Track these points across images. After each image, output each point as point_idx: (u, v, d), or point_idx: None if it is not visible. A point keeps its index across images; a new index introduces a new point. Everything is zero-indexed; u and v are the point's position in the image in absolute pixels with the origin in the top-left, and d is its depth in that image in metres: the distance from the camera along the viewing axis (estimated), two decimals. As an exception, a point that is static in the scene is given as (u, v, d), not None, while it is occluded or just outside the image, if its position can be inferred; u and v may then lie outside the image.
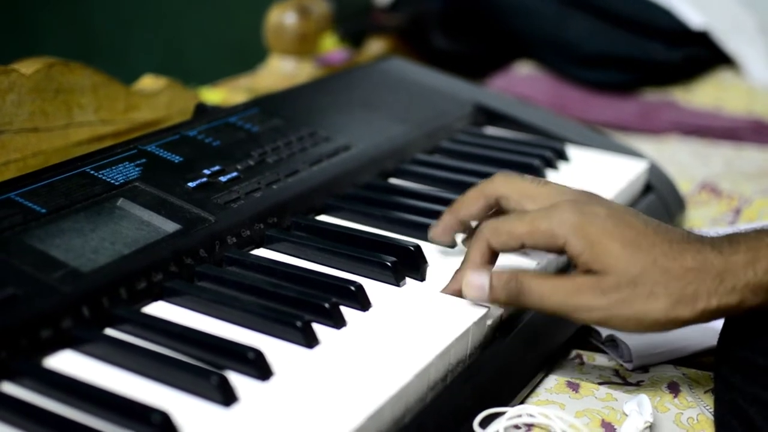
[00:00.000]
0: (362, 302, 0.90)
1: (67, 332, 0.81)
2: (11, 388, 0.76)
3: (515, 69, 2.24)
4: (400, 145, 1.28)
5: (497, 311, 0.94)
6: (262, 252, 1.01)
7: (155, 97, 1.29)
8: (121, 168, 1.01)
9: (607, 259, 0.83)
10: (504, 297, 0.87)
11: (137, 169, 1.02)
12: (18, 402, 0.73)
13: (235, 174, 1.06)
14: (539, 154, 1.31)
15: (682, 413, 0.91)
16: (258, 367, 0.78)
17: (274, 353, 0.80)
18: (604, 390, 0.94)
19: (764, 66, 2.17)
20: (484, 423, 0.83)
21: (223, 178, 1.05)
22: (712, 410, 0.91)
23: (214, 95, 1.70)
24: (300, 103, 1.31)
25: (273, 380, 0.78)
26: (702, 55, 2.15)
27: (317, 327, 0.85)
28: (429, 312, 0.90)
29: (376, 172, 1.22)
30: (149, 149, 1.07)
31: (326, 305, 0.86)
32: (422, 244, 1.00)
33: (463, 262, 0.92)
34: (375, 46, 2.22)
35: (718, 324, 0.91)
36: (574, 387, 0.94)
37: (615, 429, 0.88)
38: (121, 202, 0.96)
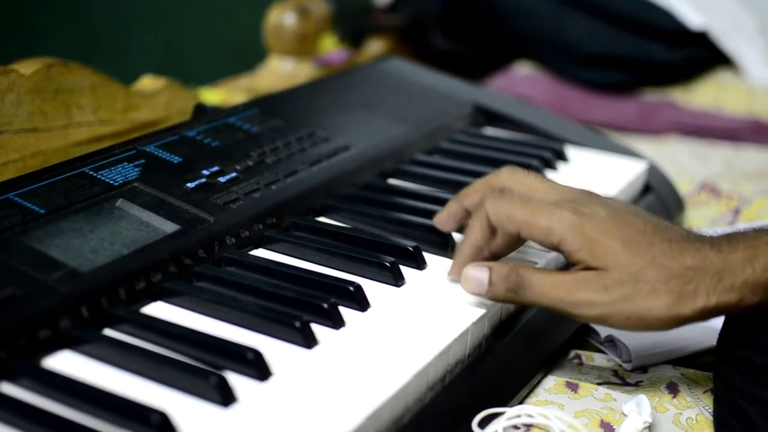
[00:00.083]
0: (361, 302, 0.90)
1: (66, 332, 0.81)
2: (10, 389, 0.76)
3: (514, 69, 2.24)
4: (400, 146, 1.28)
5: (496, 311, 0.94)
6: (261, 252, 1.01)
7: (154, 98, 1.29)
8: (120, 168, 1.01)
9: (606, 257, 0.83)
10: (503, 291, 0.87)
11: (136, 169, 1.02)
12: (17, 402, 0.73)
13: (234, 174, 1.06)
14: (538, 155, 1.32)
15: (681, 413, 0.91)
16: (257, 367, 0.78)
17: (273, 353, 0.80)
18: (603, 390, 0.94)
19: (764, 66, 2.17)
20: (483, 423, 0.83)
21: (222, 179, 1.05)
22: (711, 410, 0.91)
23: (214, 95, 1.70)
24: (299, 104, 1.31)
25: (272, 380, 0.78)
26: (701, 55, 2.15)
27: (316, 327, 0.85)
28: (428, 312, 0.90)
29: (375, 173, 1.22)
30: (148, 150, 1.07)
31: (325, 305, 0.86)
32: (420, 244, 1.00)
33: (464, 235, 0.93)
34: (374, 47, 2.22)
35: (717, 324, 0.91)
36: (573, 387, 0.94)
37: (614, 429, 0.88)
38: (120, 202, 0.96)
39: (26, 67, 1.10)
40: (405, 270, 0.97)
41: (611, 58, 2.12)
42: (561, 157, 1.35)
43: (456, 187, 1.16)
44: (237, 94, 1.74)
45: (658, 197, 1.36)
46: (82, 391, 0.74)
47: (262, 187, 1.06)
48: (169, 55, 2.48)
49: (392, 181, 1.23)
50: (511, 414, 0.85)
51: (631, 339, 0.99)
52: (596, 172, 1.31)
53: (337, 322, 0.86)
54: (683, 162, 1.79)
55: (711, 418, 0.90)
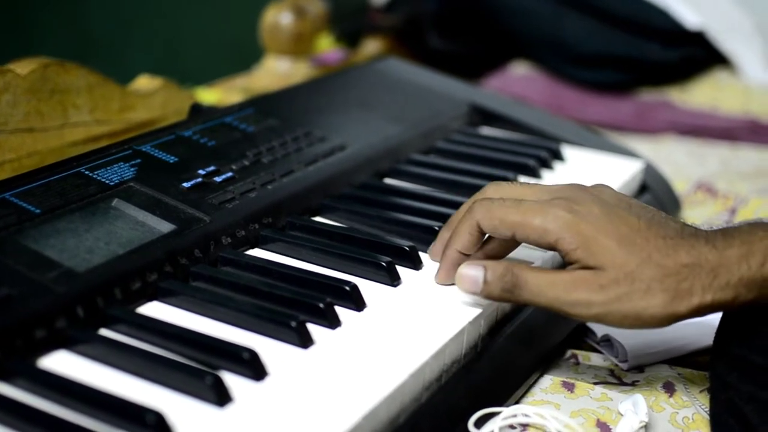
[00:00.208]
0: (357, 302, 0.90)
1: (62, 332, 0.81)
2: (6, 389, 0.76)
3: (511, 69, 2.24)
4: (396, 145, 1.28)
5: (492, 311, 0.94)
6: (256, 252, 1.01)
7: (151, 98, 1.29)
8: (116, 168, 1.01)
9: (602, 256, 0.83)
10: (498, 290, 0.87)
11: (132, 169, 1.02)
12: (12, 402, 0.73)
13: (230, 174, 1.06)
14: (534, 154, 1.32)
15: (677, 413, 0.91)
16: (252, 367, 0.78)
17: (269, 353, 0.80)
18: (599, 390, 0.94)
19: (760, 66, 2.17)
20: (479, 423, 0.83)
21: (218, 179, 1.04)
22: (707, 410, 0.91)
23: (210, 95, 1.69)
24: (295, 103, 1.31)
25: (267, 380, 0.78)
26: (698, 55, 2.15)
27: (312, 327, 0.84)
28: (424, 312, 0.90)
29: (371, 172, 1.22)
30: (144, 149, 1.07)
31: (321, 305, 0.86)
32: (416, 244, 1.00)
33: (450, 240, 0.93)
34: (371, 47, 2.22)
35: (714, 323, 0.91)
36: (570, 387, 0.94)
37: (610, 429, 0.88)
38: (116, 202, 0.96)
39: (22, 67, 1.10)
40: (401, 270, 0.97)
41: (608, 58, 2.12)
42: (557, 156, 1.35)
43: (452, 186, 1.16)
44: (233, 93, 1.74)
45: (654, 197, 1.36)
46: (77, 391, 0.74)
47: (258, 186, 1.06)
48: (166, 55, 2.48)
49: (388, 181, 1.23)
50: (507, 414, 0.85)
51: (627, 338, 0.99)
52: (593, 171, 1.31)
53: (333, 322, 0.86)
54: (680, 161, 1.79)
55: (707, 417, 0.90)
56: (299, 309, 0.87)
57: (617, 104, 2.08)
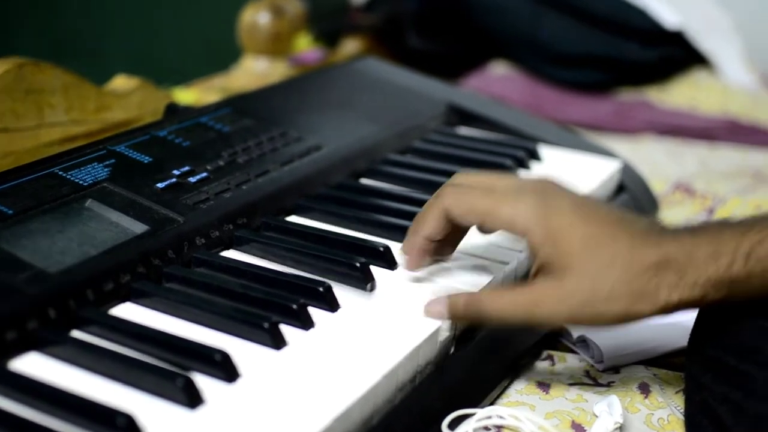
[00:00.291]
0: (331, 303, 0.89)
1: (33, 334, 0.80)
2: (-25, 391, 0.75)
3: (490, 69, 2.24)
4: (372, 145, 1.28)
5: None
6: (231, 253, 1.00)
7: (127, 98, 1.29)
8: (89, 169, 1.01)
9: (567, 258, 0.83)
10: (465, 321, 0.90)
11: (106, 169, 1.01)
12: (-19, 405, 0.73)
13: (204, 174, 1.06)
14: (511, 154, 1.31)
15: (652, 414, 0.91)
16: (224, 368, 0.77)
17: (241, 355, 0.80)
18: (574, 391, 0.94)
19: (739, 66, 2.18)
20: (453, 424, 0.83)
21: (192, 179, 1.04)
22: (682, 411, 0.91)
23: (187, 95, 1.69)
24: (272, 103, 1.31)
25: (239, 382, 0.78)
26: (677, 54, 2.16)
27: (285, 328, 0.84)
28: (398, 313, 0.90)
29: (347, 173, 1.21)
30: (119, 150, 1.06)
31: (294, 306, 0.86)
32: (392, 244, 1.00)
33: (416, 224, 0.93)
34: (350, 46, 2.22)
35: (689, 324, 0.91)
36: (545, 388, 0.94)
37: (585, 430, 0.88)
38: (89, 203, 0.95)
39: (-3, 67, 1.10)
40: (376, 270, 0.96)
41: (587, 58, 2.12)
42: (534, 156, 1.35)
43: (428, 186, 1.16)
44: (211, 93, 1.74)
45: (632, 197, 1.36)
46: (48, 393, 0.74)
47: (232, 187, 1.05)
48: (143, 55, 2.47)
49: (364, 181, 1.23)
50: (481, 415, 0.85)
51: (603, 339, 0.99)
52: (570, 171, 1.31)
53: (306, 323, 0.86)
54: (658, 161, 1.79)
55: (683, 418, 0.90)
56: (272, 310, 0.86)
57: (596, 104, 2.09)
